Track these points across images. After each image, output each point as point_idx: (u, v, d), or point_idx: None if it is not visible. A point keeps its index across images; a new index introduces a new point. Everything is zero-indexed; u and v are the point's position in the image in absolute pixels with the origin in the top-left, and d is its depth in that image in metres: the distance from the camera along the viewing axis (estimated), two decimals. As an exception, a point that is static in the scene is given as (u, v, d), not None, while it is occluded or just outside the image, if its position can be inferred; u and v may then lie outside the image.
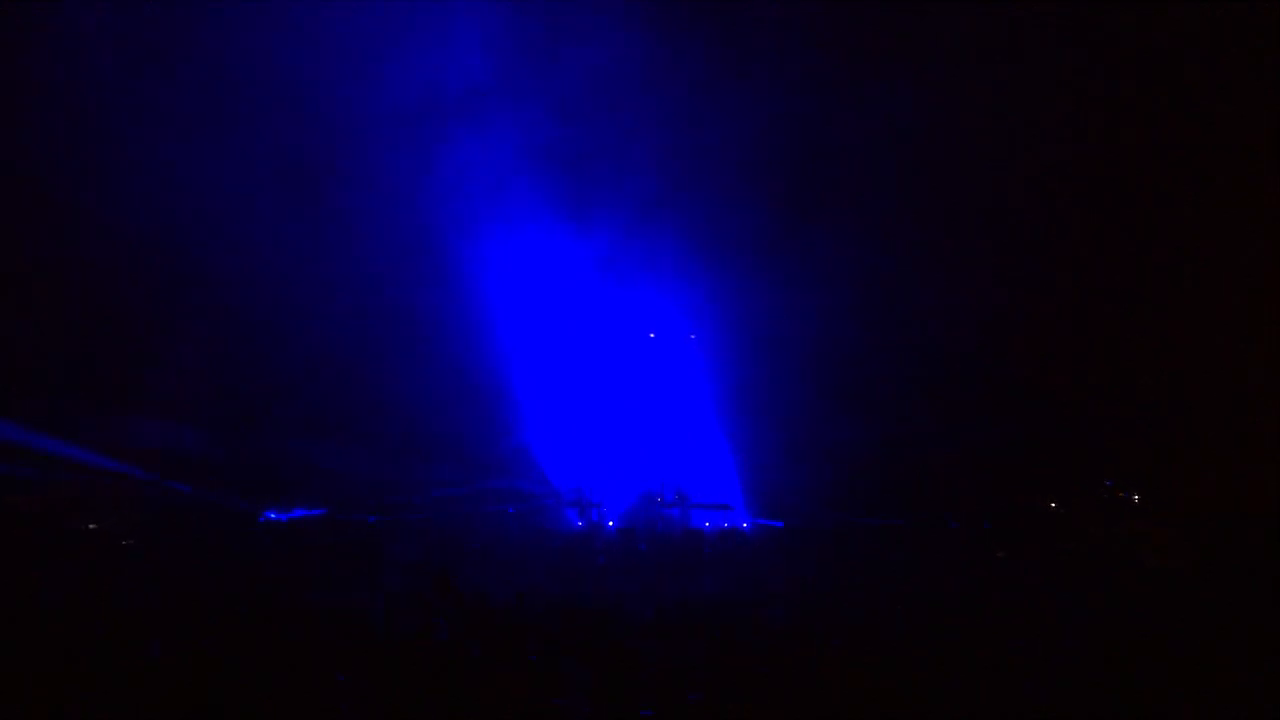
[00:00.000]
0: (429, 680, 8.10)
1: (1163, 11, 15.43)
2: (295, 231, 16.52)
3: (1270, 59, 15.03)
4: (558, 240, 17.99)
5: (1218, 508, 15.38)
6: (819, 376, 16.86)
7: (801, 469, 17.00)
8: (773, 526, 17.49)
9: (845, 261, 16.70)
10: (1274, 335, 15.21)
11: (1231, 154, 15.76)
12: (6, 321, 15.05)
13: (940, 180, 17.37)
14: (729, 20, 16.98)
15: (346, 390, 17.27)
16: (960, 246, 17.24)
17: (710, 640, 9.66)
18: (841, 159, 17.42)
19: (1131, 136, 16.31)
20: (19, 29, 14.57)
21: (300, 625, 9.85)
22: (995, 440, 17.00)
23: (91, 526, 15.35)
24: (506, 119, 17.23)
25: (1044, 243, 17.05)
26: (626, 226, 17.78)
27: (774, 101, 16.94)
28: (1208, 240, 16.12)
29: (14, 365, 14.88)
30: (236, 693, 7.88)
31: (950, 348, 17.34)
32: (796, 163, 17.49)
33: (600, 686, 8.12)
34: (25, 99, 14.75)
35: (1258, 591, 11.70)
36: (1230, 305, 16.00)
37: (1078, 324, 17.21)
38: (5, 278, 15.08)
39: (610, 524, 17.61)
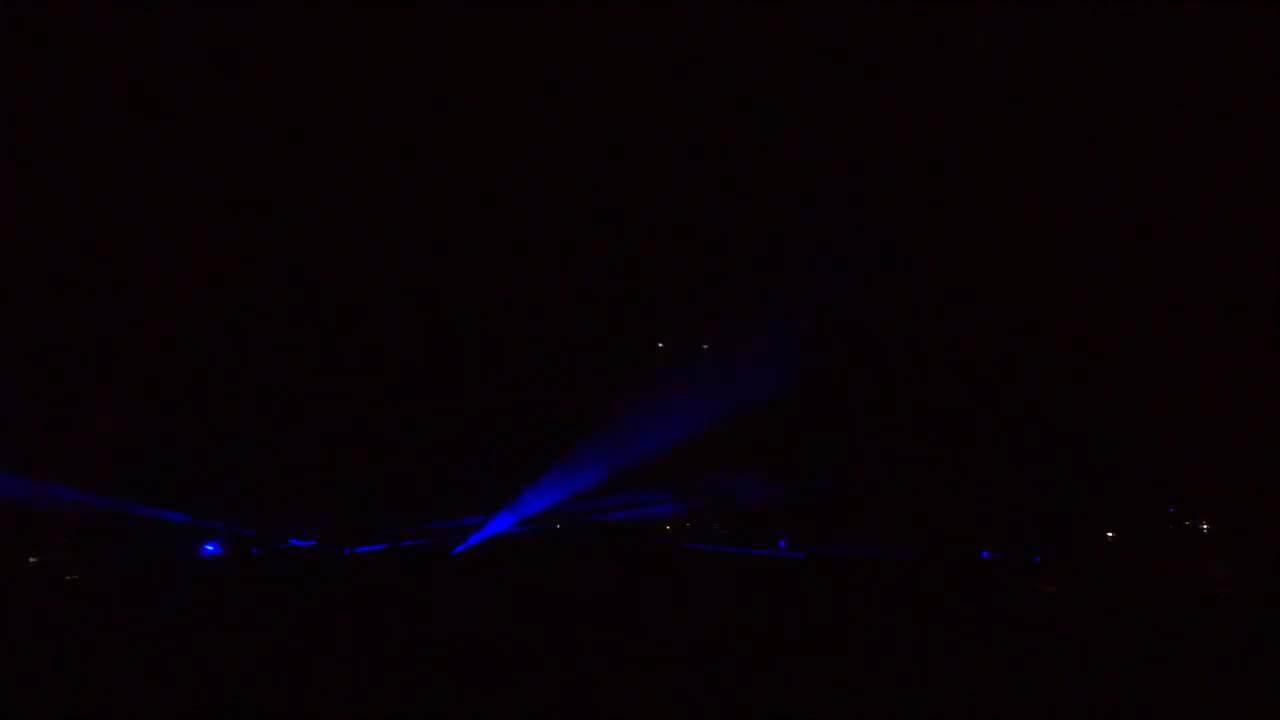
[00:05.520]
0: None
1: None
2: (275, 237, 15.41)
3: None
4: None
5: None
6: (842, 386, 15.97)
7: (827, 493, 15.85)
8: (794, 558, 16.19)
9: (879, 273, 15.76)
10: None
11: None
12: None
13: (970, 190, 16.26)
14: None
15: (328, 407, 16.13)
16: (1007, 258, 16.28)
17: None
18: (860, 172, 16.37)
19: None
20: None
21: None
22: (1043, 464, 15.91)
23: (32, 560, 14.09)
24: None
25: (1100, 253, 16.11)
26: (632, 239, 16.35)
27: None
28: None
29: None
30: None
31: (989, 362, 16.33)
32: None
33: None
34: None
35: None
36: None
37: (1131, 334, 16.12)
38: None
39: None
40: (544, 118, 15.08)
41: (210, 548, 14.86)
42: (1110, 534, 15.82)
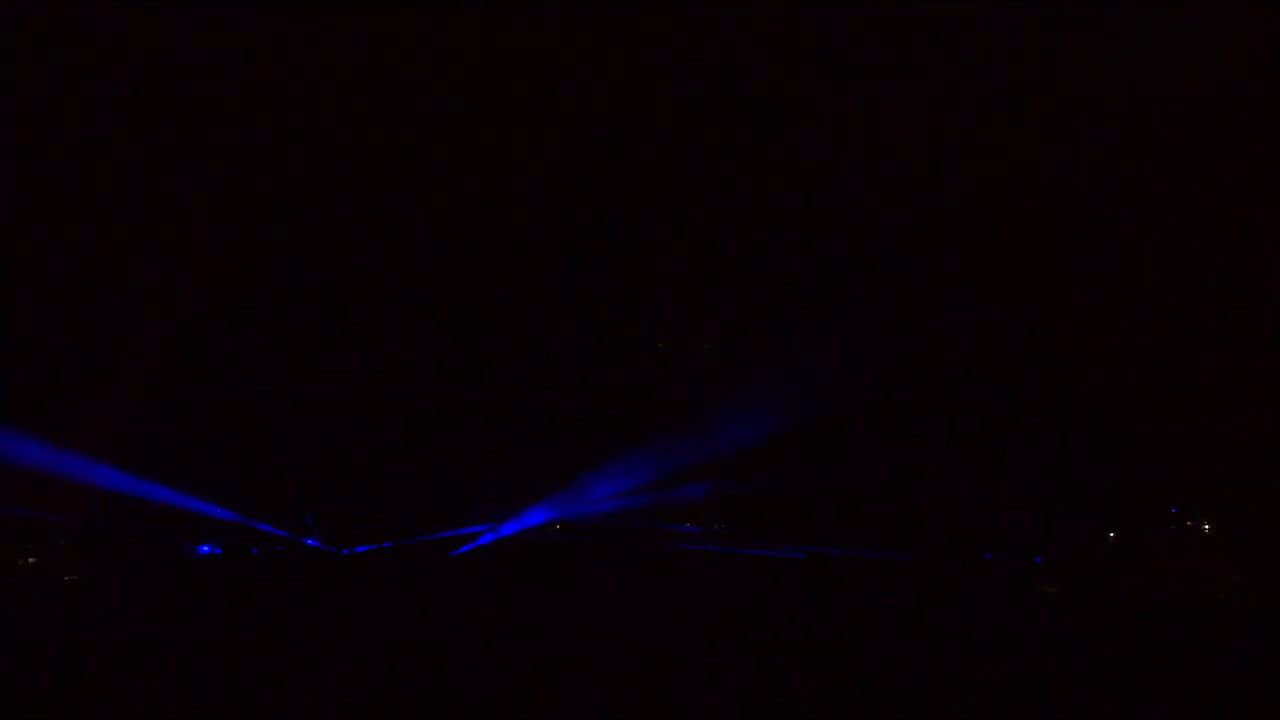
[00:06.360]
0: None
1: None
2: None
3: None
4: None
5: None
6: (842, 386, 15.66)
7: (827, 493, 15.74)
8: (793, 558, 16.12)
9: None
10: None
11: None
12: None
13: (971, 190, 16.16)
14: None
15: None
16: (1007, 258, 16.19)
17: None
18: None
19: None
20: None
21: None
22: (1043, 464, 15.81)
23: (31, 561, 14.02)
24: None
25: (1100, 253, 15.92)
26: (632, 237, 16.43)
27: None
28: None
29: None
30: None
31: (989, 362, 16.20)
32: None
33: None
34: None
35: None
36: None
37: (1131, 334, 15.97)
38: None
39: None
40: (544, 118, 15.04)
41: (208, 548, 14.82)
42: (1111, 534, 15.81)
